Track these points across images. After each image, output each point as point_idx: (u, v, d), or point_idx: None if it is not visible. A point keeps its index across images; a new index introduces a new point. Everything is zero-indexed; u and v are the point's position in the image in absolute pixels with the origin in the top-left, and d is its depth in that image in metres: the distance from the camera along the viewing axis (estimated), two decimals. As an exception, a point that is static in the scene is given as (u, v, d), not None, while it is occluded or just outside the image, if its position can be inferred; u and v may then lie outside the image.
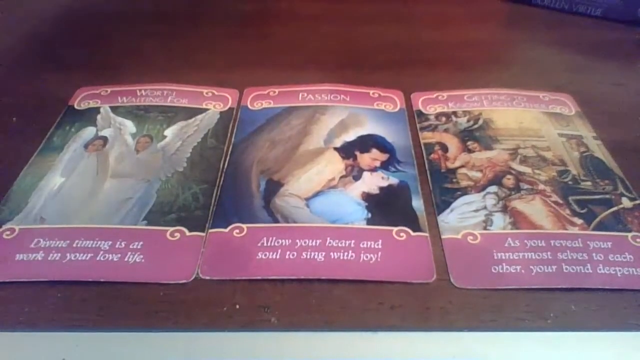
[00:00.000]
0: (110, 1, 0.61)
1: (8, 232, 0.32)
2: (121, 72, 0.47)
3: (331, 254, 0.31)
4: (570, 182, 0.36)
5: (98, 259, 0.31)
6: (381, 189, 0.35)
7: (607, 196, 0.35)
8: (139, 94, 0.44)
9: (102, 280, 0.30)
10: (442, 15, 0.58)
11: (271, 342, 0.28)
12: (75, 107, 0.43)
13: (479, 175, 0.36)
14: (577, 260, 0.31)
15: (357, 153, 0.38)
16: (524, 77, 0.47)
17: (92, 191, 0.35)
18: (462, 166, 0.37)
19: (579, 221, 0.33)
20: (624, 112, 0.43)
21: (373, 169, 0.37)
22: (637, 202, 0.34)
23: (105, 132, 0.40)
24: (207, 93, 0.44)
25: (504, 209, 0.34)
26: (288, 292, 0.29)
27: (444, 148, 0.39)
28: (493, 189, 0.35)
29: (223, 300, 0.29)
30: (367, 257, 0.31)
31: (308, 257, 0.31)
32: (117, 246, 0.31)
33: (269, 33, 0.55)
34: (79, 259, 0.31)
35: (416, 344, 0.27)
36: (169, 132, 0.40)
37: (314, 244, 0.31)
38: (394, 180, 0.36)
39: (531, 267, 0.30)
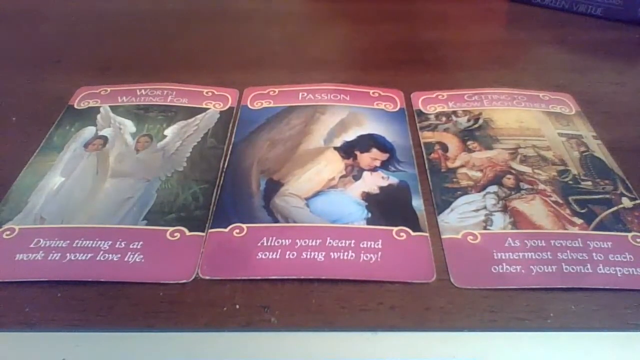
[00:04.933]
0: (110, 1, 0.61)
1: (8, 232, 0.32)
2: (121, 72, 0.47)
3: (331, 254, 0.31)
4: (570, 182, 0.36)
5: (98, 259, 0.31)
6: (381, 188, 0.35)
7: (607, 196, 0.35)
8: (138, 93, 0.44)
9: (102, 280, 0.30)
10: (442, 15, 0.58)
11: (271, 342, 0.28)
12: (75, 106, 0.43)
13: (479, 174, 0.36)
14: (577, 260, 0.31)
15: (357, 153, 0.38)
16: (524, 76, 0.47)
17: (92, 191, 0.35)
18: (462, 166, 0.37)
19: (579, 221, 0.33)
20: (624, 112, 0.43)
21: (373, 169, 0.37)
22: (637, 202, 0.34)
23: (105, 132, 0.40)
24: (207, 93, 0.44)
25: (504, 209, 0.34)
26: (288, 292, 0.29)
27: (444, 148, 0.39)
28: (493, 188, 0.35)
29: (223, 300, 0.29)
30: (367, 257, 0.31)
31: (308, 257, 0.31)
32: (117, 246, 0.31)
33: (269, 33, 0.55)
34: (79, 259, 0.31)
35: (416, 344, 0.27)
36: (169, 131, 0.40)
37: (314, 244, 0.31)
38: (394, 180, 0.36)
39: (531, 267, 0.30)
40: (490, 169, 0.37)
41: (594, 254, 0.31)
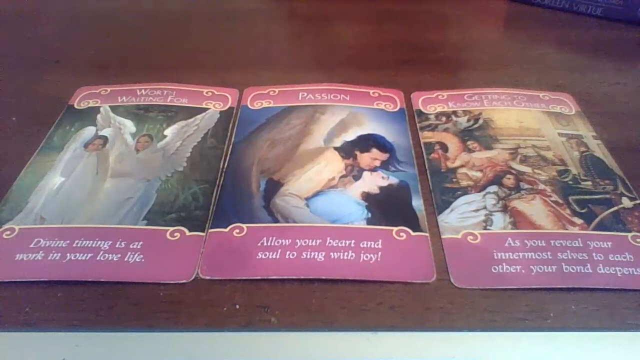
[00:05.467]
0: (110, 0, 0.61)
1: (8, 232, 0.32)
2: (121, 72, 0.47)
3: (331, 254, 0.31)
4: (570, 182, 0.36)
5: (98, 259, 0.31)
6: (381, 188, 0.35)
7: (607, 196, 0.35)
8: (139, 93, 0.44)
9: (102, 280, 0.30)
10: (442, 15, 0.58)
11: (271, 342, 0.28)
12: (75, 106, 0.43)
13: (479, 174, 0.36)
14: (577, 260, 0.31)
15: (357, 153, 0.38)
16: (524, 76, 0.47)
17: (92, 191, 0.35)
18: (462, 166, 0.37)
19: (579, 221, 0.33)
20: (623, 112, 0.43)
21: (373, 169, 0.37)
22: (637, 202, 0.34)
23: (105, 132, 0.40)
24: (207, 93, 0.44)
25: (504, 209, 0.34)
26: (288, 292, 0.29)
27: (444, 148, 0.39)
28: (493, 188, 0.35)
29: (223, 300, 0.29)
30: (367, 257, 0.31)
31: (308, 257, 0.31)
32: (117, 246, 0.31)
33: (269, 33, 0.55)
34: (79, 259, 0.31)
35: (416, 344, 0.27)
36: (169, 131, 0.40)
37: (314, 244, 0.31)
38: (394, 180, 0.36)
39: (531, 267, 0.30)
40: (490, 169, 0.37)
41: (594, 254, 0.31)
